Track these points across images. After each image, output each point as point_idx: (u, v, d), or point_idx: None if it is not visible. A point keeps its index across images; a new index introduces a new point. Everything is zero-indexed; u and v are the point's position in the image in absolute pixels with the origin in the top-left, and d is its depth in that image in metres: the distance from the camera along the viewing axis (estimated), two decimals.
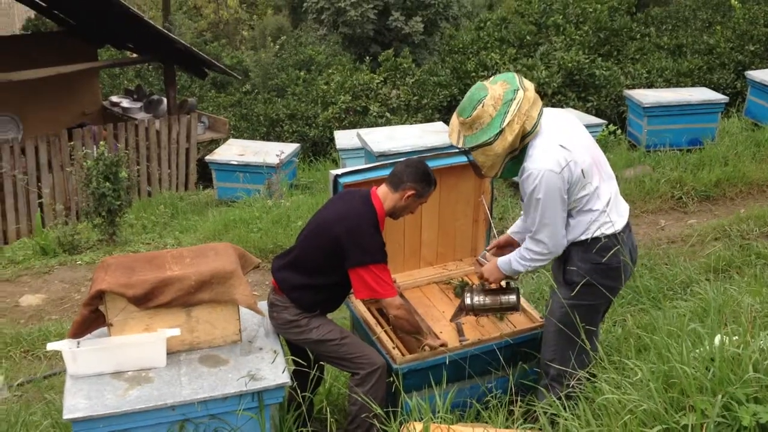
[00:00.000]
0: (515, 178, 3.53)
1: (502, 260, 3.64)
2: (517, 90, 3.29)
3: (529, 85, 3.33)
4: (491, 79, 3.43)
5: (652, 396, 2.59)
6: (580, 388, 3.21)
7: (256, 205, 8.83)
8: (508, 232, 3.88)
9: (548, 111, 3.46)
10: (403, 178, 3.60)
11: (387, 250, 3.61)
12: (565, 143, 3.34)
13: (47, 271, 7.78)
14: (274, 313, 3.76)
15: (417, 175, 3.61)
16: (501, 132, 3.25)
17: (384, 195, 3.65)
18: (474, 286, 3.89)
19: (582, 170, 3.34)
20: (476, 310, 3.83)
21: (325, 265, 3.63)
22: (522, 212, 3.72)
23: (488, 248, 3.93)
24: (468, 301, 3.79)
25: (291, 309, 3.69)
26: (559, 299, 3.50)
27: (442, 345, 3.73)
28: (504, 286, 3.78)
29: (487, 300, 3.78)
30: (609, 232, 3.42)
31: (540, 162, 3.29)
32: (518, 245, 3.71)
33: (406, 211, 3.71)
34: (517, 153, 3.36)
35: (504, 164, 3.37)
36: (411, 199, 3.62)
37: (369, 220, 3.58)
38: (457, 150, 3.55)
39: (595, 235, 3.40)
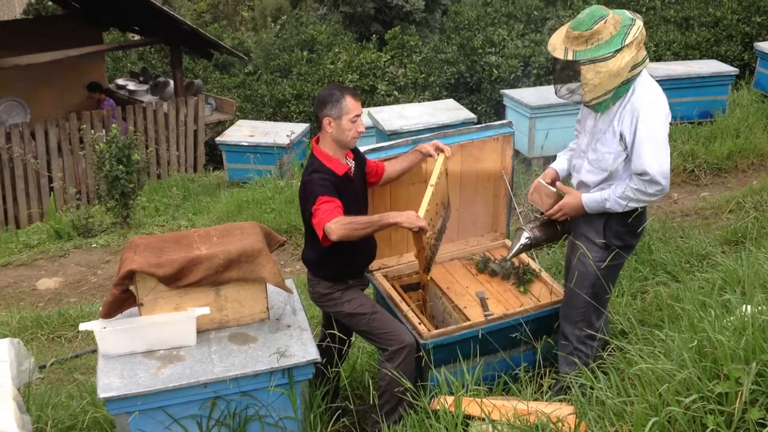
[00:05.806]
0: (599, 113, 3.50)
1: (589, 198, 3.54)
2: (634, 20, 3.36)
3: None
4: None
5: (685, 365, 2.62)
6: (607, 358, 3.25)
7: (267, 185, 8.84)
8: (552, 166, 3.84)
9: None
10: (318, 115, 3.63)
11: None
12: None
13: (63, 255, 7.82)
14: (310, 288, 3.86)
15: (322, 103, 3.59)
16: (620, 50, 3.28)
17: (321, 139, 3.67)
18: (522, 225, 3.92)
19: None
20: (539, 244, 3.87)
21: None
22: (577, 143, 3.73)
23: (542, 179, 3.79)
24: (529, 234, 3.81)
25: (323, 283, 3.77)
26: (591, 262, 3.55)
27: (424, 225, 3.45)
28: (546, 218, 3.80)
29: (547, 233, 3.83)
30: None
31: (657, 98, 3.38)
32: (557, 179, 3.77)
33: (350, 134, 3.59)
34: (619, 86, 3.34)
35: (610, 92, 3.34)
36: (335, 123, 3.58)
37: (308, 170, 3.62)
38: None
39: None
